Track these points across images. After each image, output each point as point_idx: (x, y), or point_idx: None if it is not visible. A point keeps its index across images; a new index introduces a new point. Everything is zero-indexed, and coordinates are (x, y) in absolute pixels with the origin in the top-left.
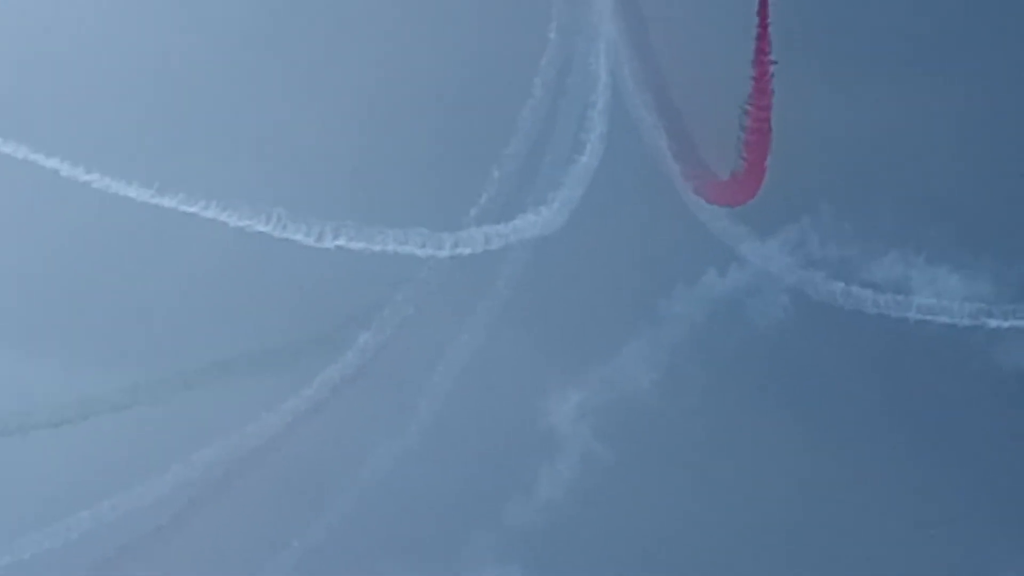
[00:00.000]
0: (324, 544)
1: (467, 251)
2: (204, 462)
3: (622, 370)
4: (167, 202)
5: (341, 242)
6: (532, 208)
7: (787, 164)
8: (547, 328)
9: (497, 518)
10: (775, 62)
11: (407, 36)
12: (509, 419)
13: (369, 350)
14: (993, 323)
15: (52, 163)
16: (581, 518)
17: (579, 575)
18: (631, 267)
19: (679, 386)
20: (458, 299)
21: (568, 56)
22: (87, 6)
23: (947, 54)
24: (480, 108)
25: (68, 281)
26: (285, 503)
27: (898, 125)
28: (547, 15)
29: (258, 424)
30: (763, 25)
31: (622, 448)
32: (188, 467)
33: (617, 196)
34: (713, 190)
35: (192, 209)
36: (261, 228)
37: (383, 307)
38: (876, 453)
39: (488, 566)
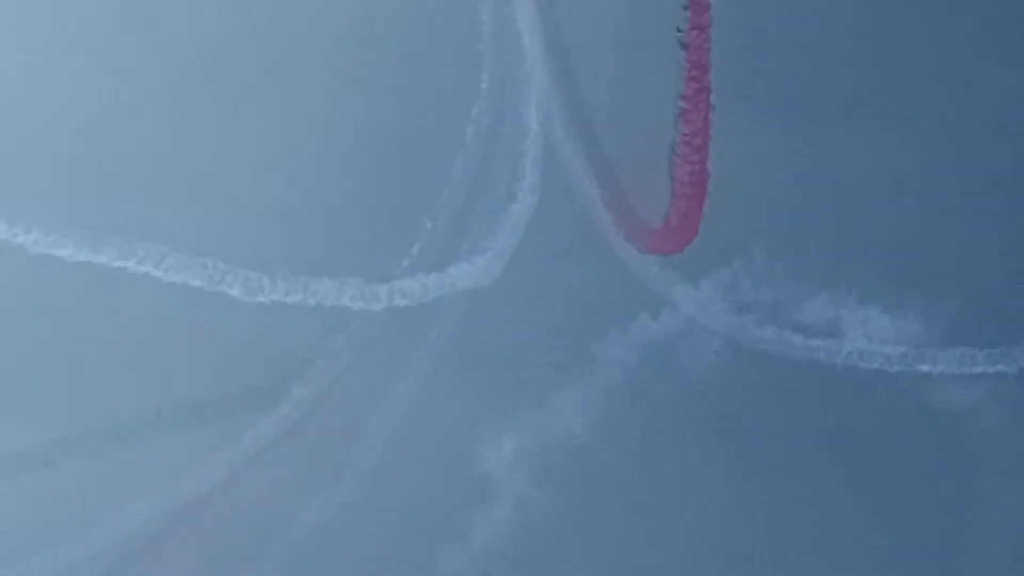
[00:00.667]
0: None
1: (402, 303)
2: (136, 516)
3: (556, 415)
4: (98, 259)
5: (276, 296)
6: (466, 257)
7: (718, 207)
8: (481, 375)
9: (433, 566)
10: (714, 108)
11: (339, 85)
12: (444, 467)
13: (304, 402)
14: (924, 368)
15: None
16: (517, 564)
17: None
18: (564, 312)
19: (613, 431)
20: (393, 348)
21: (500, 106)
22: (8, 56)
23: (877, 97)
24: (412, 158)
25: None
26: (220, 557)
27: (827, 167)
28: (479, 65)
29: (192, 477)
30: (700, 71)
31: (557, 493)
32: (120, 521)
33: (549, 243)
34: (646, 239)
35: (124, 264)
36: (195, 283)
37: (317, 358)
38: (808, 495)
39: None
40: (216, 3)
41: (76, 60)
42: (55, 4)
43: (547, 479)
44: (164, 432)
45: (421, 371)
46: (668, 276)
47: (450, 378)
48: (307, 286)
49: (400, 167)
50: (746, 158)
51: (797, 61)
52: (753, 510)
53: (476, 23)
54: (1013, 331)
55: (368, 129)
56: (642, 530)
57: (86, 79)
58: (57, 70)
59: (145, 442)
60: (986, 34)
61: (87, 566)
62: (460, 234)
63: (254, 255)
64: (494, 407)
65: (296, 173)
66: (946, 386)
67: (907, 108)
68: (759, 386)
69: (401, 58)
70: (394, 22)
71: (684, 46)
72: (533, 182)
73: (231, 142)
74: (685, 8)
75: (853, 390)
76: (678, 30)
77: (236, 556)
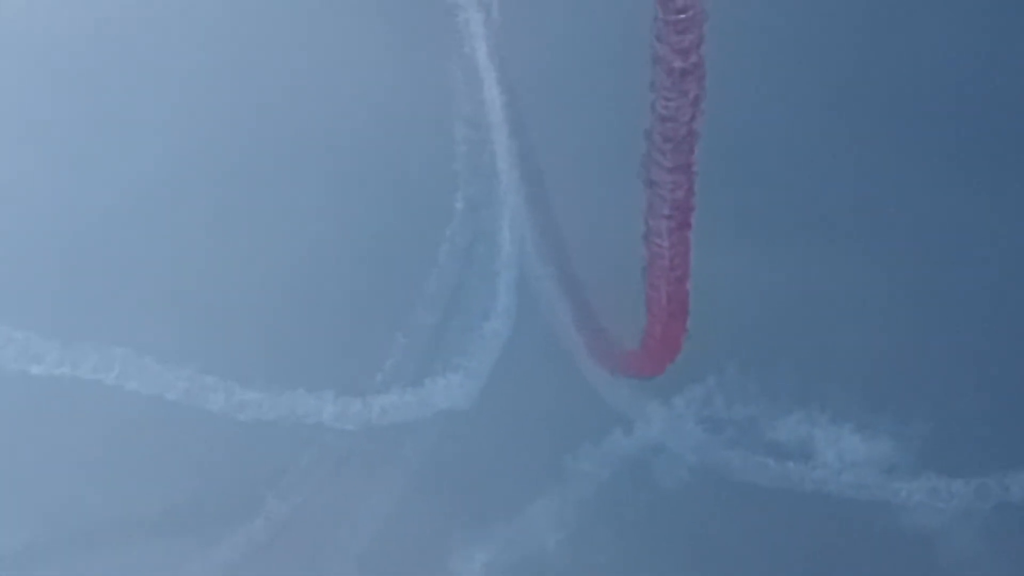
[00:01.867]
0: None
1: (379, 422)
2: None
3: (528, 529)
4: (74, 369)
5: (253, 413)
6: (440, 374)
7: (692, 324)
8: (453, 488)
9: None
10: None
11: (315, 201)
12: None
13: (278, 515)
14: (899, 493)
15: None
16: None
17: None
18: (537, 425)
19: (585, 545)
20: (366, 461)
21: (474, 226)
22: None
23: (849, 219)
24: (386, 274)
25: None
26: None
27: (801, 287)
28: (454, 185)
29: None
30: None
31: None
32: None
33: (523, 361)
34: (622, 362)
35: (99, 377)
36: (171, 396)
37: (290, 472)
38: None
39: None
40: (186, 120)
41: (54, 166)
42: (31, 107)
43: None
44: (138, 542)
45: (394, 484)
46: (641, 392)
47: (421, 489)
48: (285, 401)
49: (374, 283)
50: (719, 277)
51: (772, 182)
52: None
53: (451, 142)
54: (986, 459)
55: (343, 244)
56: None
57: (65, 186)
58: (34, 176)
59: (118, 552)
60: (956, 164)
61: None
62: (433, 351)
63: (230, 365)
64: (464, 519)
65: (272, 284)
66: (917, 511)
67: (882, 230)
68: (732, 504)
69: (377, 178)
70: (369, 141)
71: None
72: (507, 302)
73: (210, 254)
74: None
75: (825, 512)
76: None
77: None
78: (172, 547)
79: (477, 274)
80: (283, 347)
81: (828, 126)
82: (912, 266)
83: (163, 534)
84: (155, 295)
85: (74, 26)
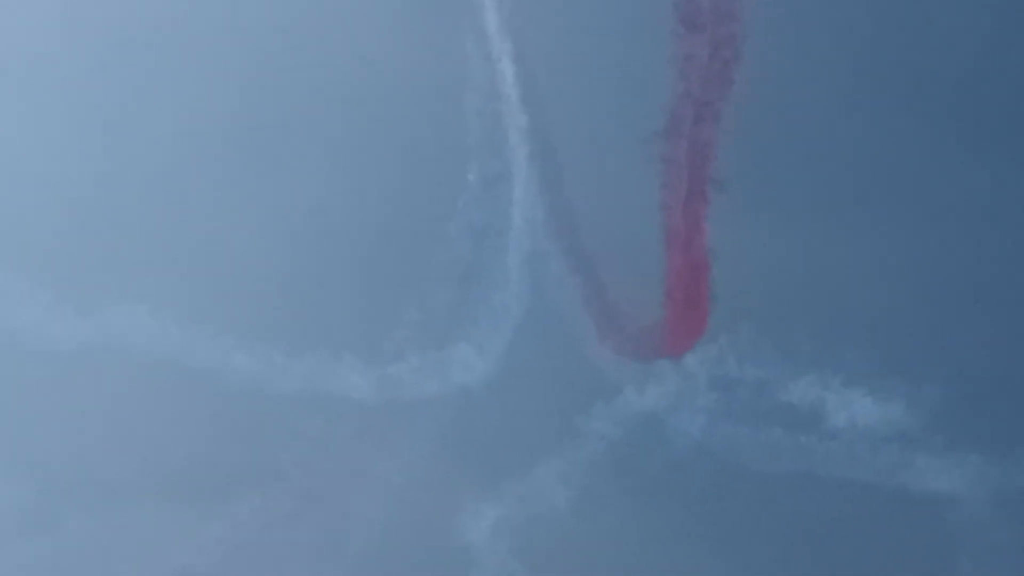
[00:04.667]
0: None
1: (391, 394)
2: None
3: (538, 487)
4: (85, 333)
5: (266, 379)
6: (452, 348)
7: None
8: (464, 448)
9: None
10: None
11: (327, 169)
12: (424, 537)
13: (291, 482)
14: (907, 454)
15: None
16: None
17: None
18: (550, 389)
19: (595, 503)
20: (377, 427)
21: (486, 200)
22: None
23: (867, 185)
24: (397, 248)
25: None
26: None
27: (819, 254)
28: (466, 158)
29: (183, 553)
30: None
31: (537, 566)
32: None
33: (536, 333)
34: (638, 345)
35: (110, 339)
36: (186, 360)
37: (304, 438)
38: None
39: None
40: (201, 85)
41: (73, 130)
42: (39, 64)
43: (528, 551)
44: (147, 506)
45: (405, 447)
46: None
47: (431, 444)
48: (299, 367)
49: (385, 255)
50: (734, 245)
51: (789, 148)
52: None
53: (463, 115)
54: (998, 423)
55: (353, 216)
56: None
57: (82, 149)
58: (51, 139)
59: (127, 515)
60: (979, 132)
61: None
62: (445, 325)
63: (247, 326)
64: (474, 476)
65: (282, 253)
66: (929, 472)
67: (898, 199)
68: (744, 462)
69: (388, 147)
70: (381, 112)
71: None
72: (519, 277)
73: (226, 216)
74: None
75: (837, 471)
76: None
77: None
78: (183, 512)
79: (489, 248)
80: (291, 314)
81: (842, 101)
82: (929, 233)
83: (173, 499)
84: (170, 258)
85: None
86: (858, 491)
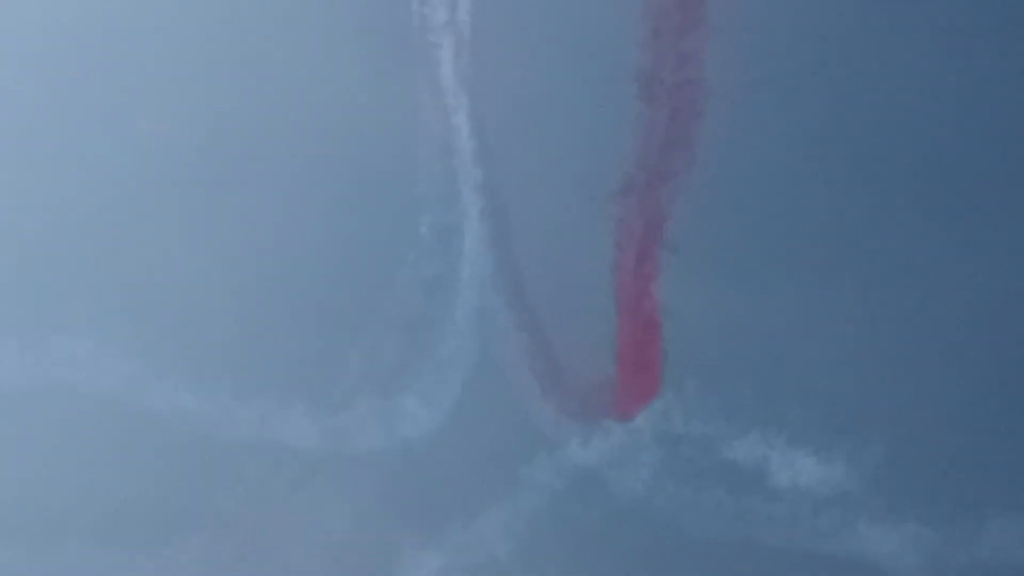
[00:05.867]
0: None
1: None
2: None
3: (480, 536)
4: (29, 367)
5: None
6: (397, 399)
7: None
8: (406, 493)
9: None
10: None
11: (278, 217)
12: None
13: (229, 525)
14: (848, 515)
15: None
16: None
17: None
18: (495, 442)
19: (536, 554)
20: (319, 474)
21: (437, 252)
22: None
23: (815, 251)
24: (346, 296)
25: None
26: None
27: (767, 311)
28: (418, 210)
29: None
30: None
31: None
32: None
33: (482, 388)
34: (587, 404)
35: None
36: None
37: (244, 483)
38: None
39: None
40: (156, 123)
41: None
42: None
43: None
44: (93, 547)
45: (348, 495)
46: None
47: (373, 491)
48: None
49: (333, 303)
50: (684, 299)
51: (740, 210)
52: None
53: (417, 167)
54: (940, 489)
55: (305, 262)
56: None
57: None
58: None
59: (73, 555)
60: (929, 197)
61: None
62: (393, 376)
63: (194, 368)
64: (415, 524)
65: (233, 295)
66: (869, 537)
67: (847, 258)
68: (686, 516)
69: (341, 196)
70: (334, 160)
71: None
72: (468, 331)
73: (176, 255)
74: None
75: (778, 536)
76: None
77: None
78: (121, 555)
79: (438, 301)
80: (237, 358)
81: (793, 167)
82: (875, 295)
83: (112, 541)
84: (118, 295)
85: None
86: (799, 559)
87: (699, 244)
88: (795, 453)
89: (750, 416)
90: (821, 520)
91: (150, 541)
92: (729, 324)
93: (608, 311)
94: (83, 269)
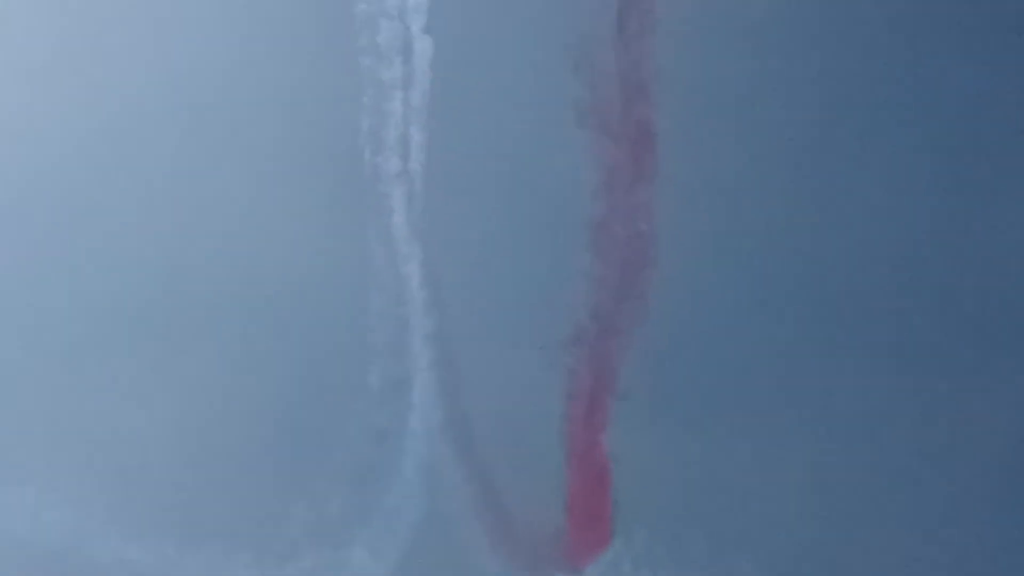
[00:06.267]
0: None
1: None
2: None
3: None
4: None
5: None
6: (342, 553)
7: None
8: None
9: None
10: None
11: (227, 365)
12: None
13: None
14: None
15: None
16: None
17: None
18: None
19: None
20: None
21: (386, 404)
22: None
23: (764, 404)
24: (294, 446)
25: None
26: None
27: (717, 462)
28: (368, 360)
29: None
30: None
31: None
32: None
33: (430, 542)
34: (537, 557)
35: None
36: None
37: None
38: None
39: None
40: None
41: None
42: None
43: None
44: None
45: None
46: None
47: None
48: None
49: (281, 453)
50: (631, 446)
51: (691, 360)
52: None
53: (367, 316)
54: None
55: (254, 410)
56: None
57: None
58: None
59: None
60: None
61: None
62: (341, 527)
63: (138, 517)
64: None
65: (179, 443)
66: None
67: (795, 409)
68: None
69: (290, 344)
70: (282, 308)
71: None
72: (416, 484)
73: (120, 403)
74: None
75: None
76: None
77: None
78: None
79: (387, 451)
80: (182, 508)
81: (743, 309)
82: (824, 445)
83: None
84: (60, 442)
85: None
86: None
87: (650, 393)
88: None
89: (700, 567)
90: None
91: None
92: (680, 474)
93: (558, 461)
94: (25, 418)
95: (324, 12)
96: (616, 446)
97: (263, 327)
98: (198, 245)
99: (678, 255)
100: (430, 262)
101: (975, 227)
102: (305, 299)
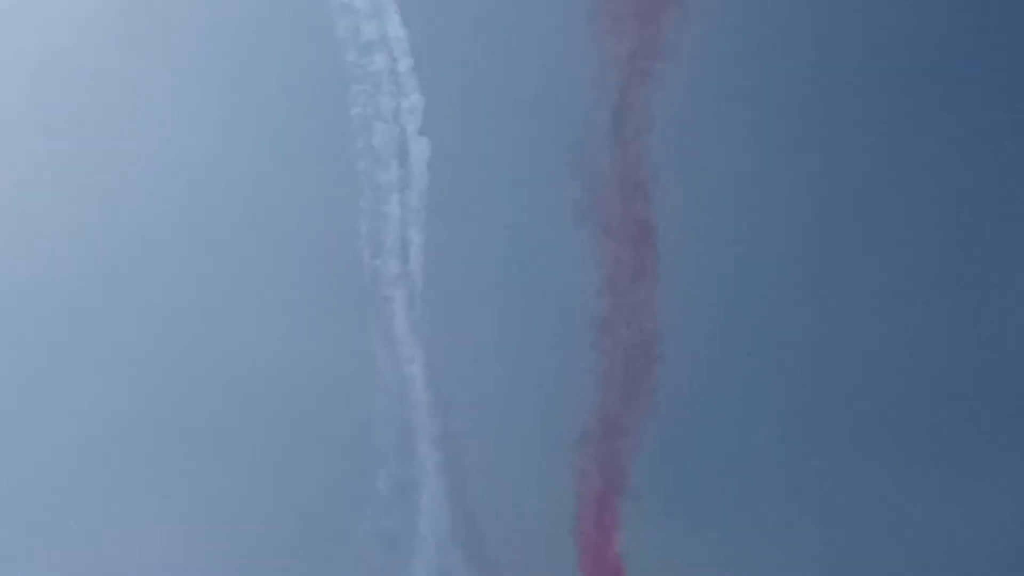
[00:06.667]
0: None
1: None
2: None
3: None
4: None
5: None
6: None
7: None
8: None
9: None
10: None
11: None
12: None
13: None
14: None
15: None
16: None
17: None
18: None
19: None
20: None
21: (394, 508)
22: None
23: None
24: (302, 551)
25: None
26: None
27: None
28: (376, 464)
29: None
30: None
31: None
32: None
33: None
34: None
35: None
36: None
37: None
38: None
39: None
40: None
41: None
42: None
43: None
44: None
45: None
46: None
47: None
48: None
49: (293, 558)
50: (642, 542)
51: (699, 458)
52: None
53: (372, 421)
54: None
55: (262, 519)
56: None
57: None
58: None
59: None
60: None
61: None
62: None
63: None
64: None
65: (187, 551)
66: None
67: (798, 502)
68: None
69: (296, 449)
70: (289, 414)
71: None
72: None
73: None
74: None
75: None
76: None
77: None
78: None
79: (396, 556)
80: None
81: (751, 410)
82: (829, 536)
83: None
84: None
85: None
86: None
87: (660, 491)
88: None
89: None
90: None
91: None
92: (693, 572)
93: (571, 563)
94: (38, 525)
95: (319, 117)
96: (628, 545)
97: (269, 434)
98: (203, 356)
99: (683, 352)
100: (434, 364)
101: (975, 327)
102: (310, 404)
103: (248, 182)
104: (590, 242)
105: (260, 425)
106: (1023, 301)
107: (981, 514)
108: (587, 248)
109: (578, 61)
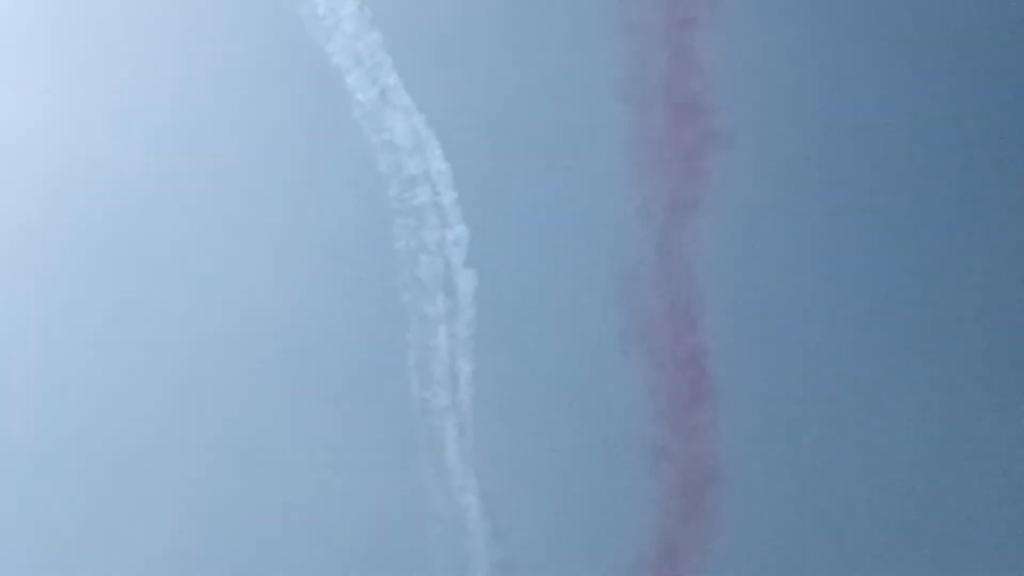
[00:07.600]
0: None
1: None
2: None
3: None
4: None
5: None
6: None
7: None
8: None
9: None
10: None
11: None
12: None
13: None
14: None
15: None
16: None
17: None
18: None
19: None
20: None
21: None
22: None
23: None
24: None
25: None
26: None
27: None
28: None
29: None
30: None
31: None
32: None
33: None
34: None
35: None
36: None
37: None
38: None
39: None
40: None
41: None
42: None
43: None
44: None
45: None
46: None
47: None
48: None
49: None
50: None
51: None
52: None
53: (426, 547)
54: None
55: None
56: None
57: None
58: None
59: None
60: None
61: None
62: None
63: None
64: None
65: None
66: None
67: None
68: None
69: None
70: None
71: None
72: None
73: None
74: None
75: None
76: None
77: None
78: None
79: None
80: None
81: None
82: None
83: None
84: None
85: None
86: None
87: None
88: None
89: None
90: None
91: None
92: None
93: None
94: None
95: (364, 250)
96: None
97: (327, 573)
98: (252, 496)
99: (742, 474)
100: (488, 492)
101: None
102: (364, 540)
103: (298, 319)
104: (642, 369)
105: (315, 565)
106: None
107: None
108: (639, 375)
109: (622, 190)
